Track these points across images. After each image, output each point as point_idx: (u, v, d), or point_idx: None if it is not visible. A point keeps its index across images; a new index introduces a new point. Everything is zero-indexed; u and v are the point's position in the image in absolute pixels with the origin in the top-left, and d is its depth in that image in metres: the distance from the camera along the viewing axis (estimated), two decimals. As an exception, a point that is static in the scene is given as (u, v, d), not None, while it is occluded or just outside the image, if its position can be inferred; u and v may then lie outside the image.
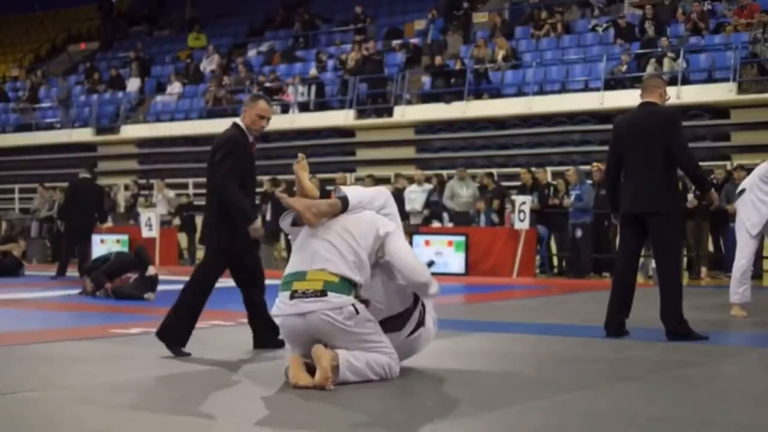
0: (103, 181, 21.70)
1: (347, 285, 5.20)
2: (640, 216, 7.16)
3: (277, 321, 5.33)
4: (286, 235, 6.18)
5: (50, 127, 26.21)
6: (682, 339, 6.98)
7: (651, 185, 7.08)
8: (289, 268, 5.36)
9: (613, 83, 18.71)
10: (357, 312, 5.16)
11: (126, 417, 4.43)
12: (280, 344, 6.06)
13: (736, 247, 9.03)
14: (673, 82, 17.90)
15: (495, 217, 16.19)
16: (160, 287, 11.56)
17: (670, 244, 7.18)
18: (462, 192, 16.76)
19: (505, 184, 17.96)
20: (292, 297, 5.18)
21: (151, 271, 11.15)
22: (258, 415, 4.57)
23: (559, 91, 19.50)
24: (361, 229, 5.34)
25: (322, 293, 5.14)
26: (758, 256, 13.82)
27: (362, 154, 21.19)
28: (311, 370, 5.09)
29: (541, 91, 19.51)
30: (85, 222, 14.93)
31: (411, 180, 17.95)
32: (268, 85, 22.85)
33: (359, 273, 5.25)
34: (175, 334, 6.34)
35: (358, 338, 5.18)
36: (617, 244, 7.69)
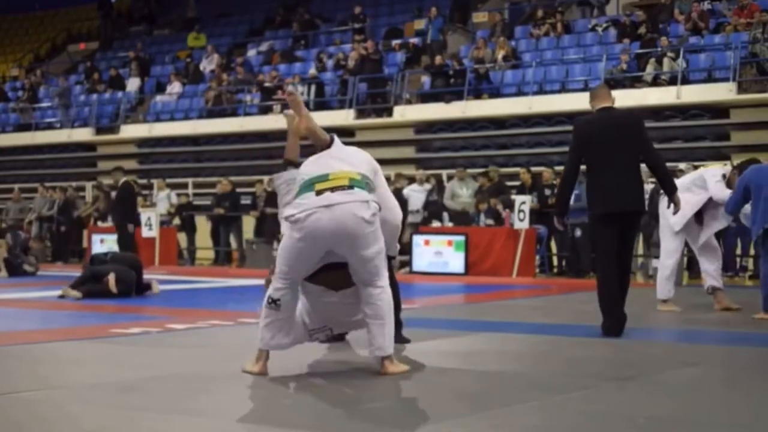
0: (102, 181, 21.69)
1: (366, 185, 5.31)
2: (623, 214, 7.30)
3: (297, 216, 5.14)
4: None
5: (50, 127, 26.21)
6: None
7: (633, 184, 7.31)
8: (305, 176, 5.33)
9: (612, 83, 18.70)
10: (379, 209, 5.26)
11: (125, 417, 4.43)
12: None
13: (661, 248, 9.37)
14: (673, 81, 17.93)
15: (490, 220, 16.08)
16: (161, 287, 11.60)
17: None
18: (462, 192, 16.77)
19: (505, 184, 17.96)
20: (318, 194, 5.17)
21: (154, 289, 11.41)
22: (258, 415, 4.58)
23: (559, 91, 19.49)
24: (360, 155, 5.59)
25: (350, 188, 5.19)
26: (759, 255, 13.81)
27: (362, 153, 21.17)
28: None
29: (541, 91, 19.51)
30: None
31: (411, 179, 17.96)
32: (268, 84, 22.86)
33: (374, 178, 5.47)
34: None
35: (370, 254, 5.19)
36: (596, 244, 7.79)
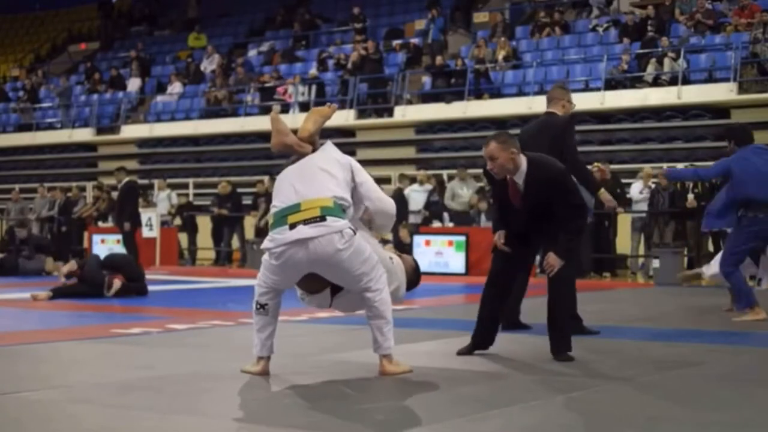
0: (103, 181, 21.68)
1: (340, 209, 5.24)
2: None
3: (273, 251, 5.22)
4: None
5: (51, 127, 26.23)
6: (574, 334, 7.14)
7: None
8: (278, 205, 5.30)
9: (613, 83, 18.71)
10: (354, 233, 5.21)
11: (125, 417, 4.43)
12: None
13: None
14: (673, 82, 17.93)
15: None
16: (158, 287, 11.59)
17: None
18: (463, 192, 16.77)
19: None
20: (291, 228, 5.16)
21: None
22: (258, 415, 4.58)
23: (560, 91, 19.48)
24: (333, 164, 5.44)
25: (321, 219, 5.15)
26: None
27: (363, 154, 21.17)
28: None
29: (542, 91, 19.44)
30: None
31: (412, 180, 17.96)
32: (269, 85, 22.86)
33: (348, 193, 5.34)
34: None
35: (354, 273, 5.21)
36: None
